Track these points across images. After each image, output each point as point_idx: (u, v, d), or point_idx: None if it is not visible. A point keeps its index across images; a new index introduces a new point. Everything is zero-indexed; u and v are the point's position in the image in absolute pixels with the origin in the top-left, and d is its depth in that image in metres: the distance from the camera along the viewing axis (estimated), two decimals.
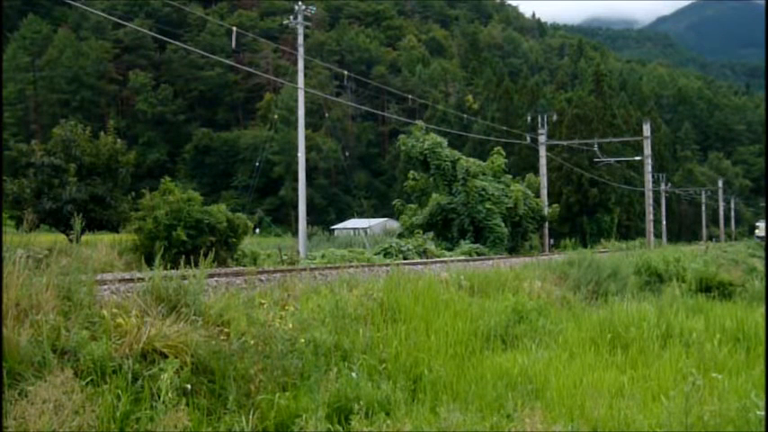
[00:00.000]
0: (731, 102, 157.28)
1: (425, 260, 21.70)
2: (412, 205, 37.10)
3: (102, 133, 24.90)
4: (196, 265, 7.78)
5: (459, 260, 21.48)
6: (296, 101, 34.04)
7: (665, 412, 5.91)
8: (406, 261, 20.39)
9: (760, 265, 34.15)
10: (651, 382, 7.64)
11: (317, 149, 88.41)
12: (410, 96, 55.70)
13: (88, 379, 5.38)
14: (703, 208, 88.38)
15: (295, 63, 31.86)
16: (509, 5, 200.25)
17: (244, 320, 7.02)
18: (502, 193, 34.04)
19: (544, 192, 40.81)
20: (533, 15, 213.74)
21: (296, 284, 10.58)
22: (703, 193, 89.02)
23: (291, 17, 29.93)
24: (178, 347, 6.06)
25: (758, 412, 5.68)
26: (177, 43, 70.12)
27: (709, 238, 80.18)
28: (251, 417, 5.64)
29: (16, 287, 5.86)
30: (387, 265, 16.12)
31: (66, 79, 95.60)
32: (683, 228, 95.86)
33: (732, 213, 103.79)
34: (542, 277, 15.21)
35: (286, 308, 8.28)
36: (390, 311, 9.38)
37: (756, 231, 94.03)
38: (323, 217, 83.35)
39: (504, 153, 37.17)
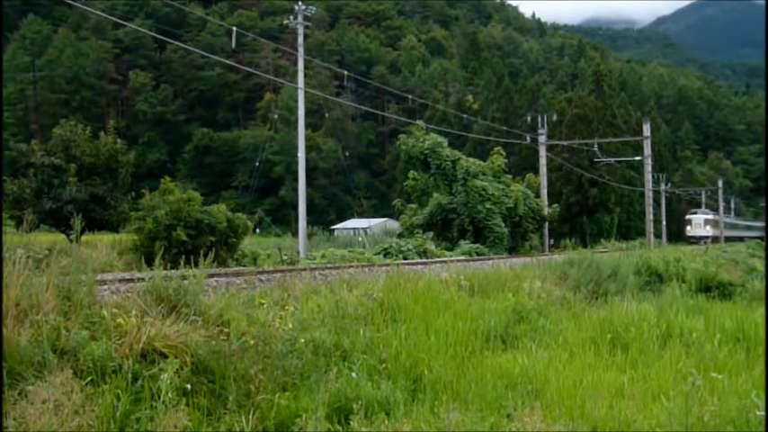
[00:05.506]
0: (731, 102, 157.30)
1: (425, 260, 21.68)
2: (412, 205, 37.08)
3: (102, 133, 24.92)
4: (196, 265, 7.78)
5: (459, 260, 21.46)
6: (296, 101, 34.02)
7: (665, 412, 5.91)
8: (406, 261, 20.37)
9: (760, 265, 34.22)
10: (651, 382, 7.64)
11: (317, 149, 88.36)
12: (410, 96, 55.71)
13: (88, 379, 5.37)
14: (703, 208, 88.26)
15: (295, 63, 31.85)
16: (509, 5, 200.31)
17: (244, 320, 7.03)
18: (502, 193, 34.02)
19: (544, 192, 40.78)
20: (533, 15, 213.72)
21: (296, 284, 10.56)
22: (703, 193, 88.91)
23: (291, 17, 29.91)
24: (178, 347, 6.06)
25: (758, 412, 5.68)
26: (177, 43, 70.04)
27: None
28: (251, 417, 5.64)
29: (16, 287, 5.86)
30: (387, 265, 16.10)
31: (66, 79, 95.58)
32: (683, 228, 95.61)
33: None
34: (542, 277, 15.20)
35: (286, 308, 8.28)
36: (390, 311, 9.37)
37: (688, 229, 79.05)
38: (323, 217, 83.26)
39: (504, 153, 37.13)
